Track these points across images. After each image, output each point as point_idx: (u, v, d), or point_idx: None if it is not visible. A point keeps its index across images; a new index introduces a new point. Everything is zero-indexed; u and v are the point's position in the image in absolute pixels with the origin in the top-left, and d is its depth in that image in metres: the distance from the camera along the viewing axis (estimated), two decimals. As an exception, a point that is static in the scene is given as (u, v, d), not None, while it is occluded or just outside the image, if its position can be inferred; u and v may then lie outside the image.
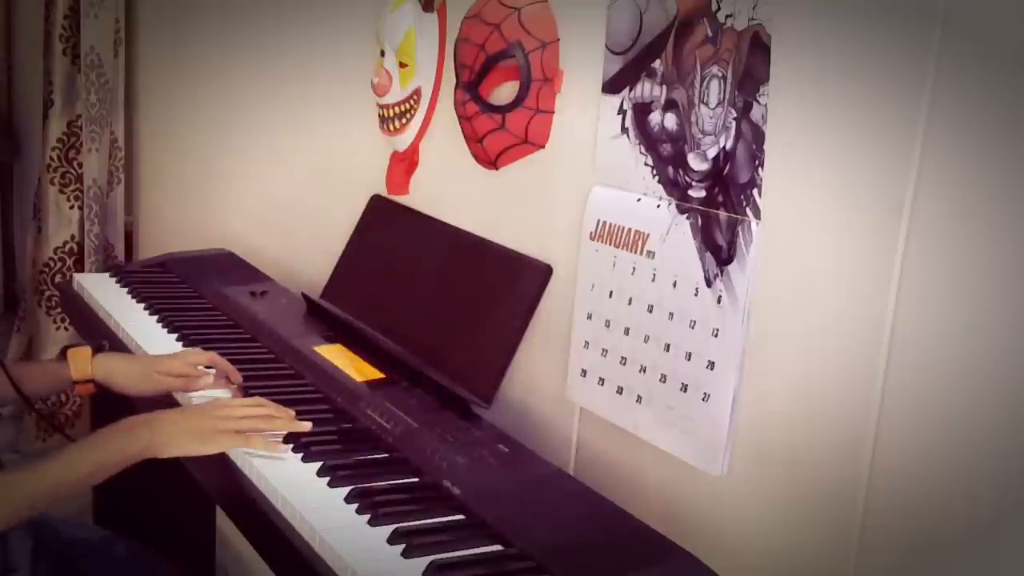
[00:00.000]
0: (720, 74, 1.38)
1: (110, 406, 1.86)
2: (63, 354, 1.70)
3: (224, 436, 1.47)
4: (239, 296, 2.20)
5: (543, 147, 1.73)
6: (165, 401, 1.69)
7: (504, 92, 1.76)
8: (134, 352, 1.91)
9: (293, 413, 1.55)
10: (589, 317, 1.61)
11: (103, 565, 1.68)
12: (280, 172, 2.59)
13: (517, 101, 1.71)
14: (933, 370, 1.16)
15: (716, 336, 1.40)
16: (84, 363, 1.69)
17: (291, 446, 1.49)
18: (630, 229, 1.54)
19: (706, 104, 1.40)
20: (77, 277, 2.36)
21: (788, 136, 1.31)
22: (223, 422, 1.49)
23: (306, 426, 1.53)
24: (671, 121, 1.46)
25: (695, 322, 1.43)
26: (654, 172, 1.50)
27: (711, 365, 1.41)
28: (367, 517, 1.32)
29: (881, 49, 1.19)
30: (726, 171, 1.38)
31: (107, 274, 2.40)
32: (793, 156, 1.30)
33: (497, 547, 1.28)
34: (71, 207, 3.04)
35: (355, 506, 1.35)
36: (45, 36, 2.99)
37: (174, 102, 3.05)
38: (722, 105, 1.38)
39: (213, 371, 1.74)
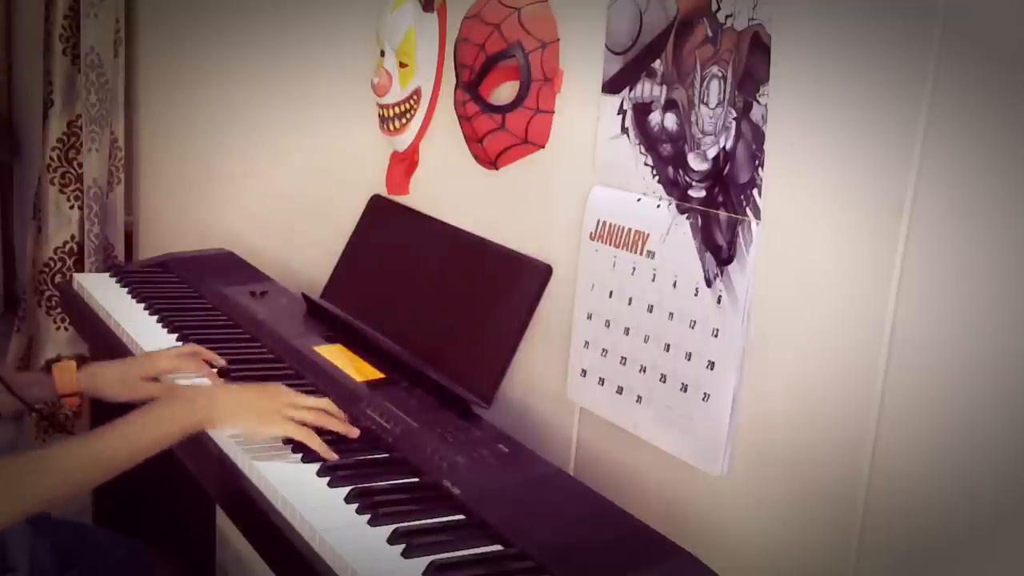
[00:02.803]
0: (720, 74, 1.38)
1: (110, 405, 1.86)
2: (48, 368, 1.71)
3: (287, 422, 1.48)
4: (239, 296, 2.19)
5: (543, 147, 1.73)
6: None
7: (504, 92, 1.75)
8: (134, 352, 1.91)
9: (345, 416, 1.55)
10: (589, 317, 1.61)
11: (103, 565, 1.68)
12: (280, 172, 2.59)
13: (517, 101, 1.71)
14: (933, 370, 1.16)
15: (716, 336, 1.40)
16: (70, 376, 1.70)
17: (291, 446, 1.49)
18: (630, 229, 1.54)
19: (706, 104, 1.40)
20: (77, 277, 2.36)
21: (788, 136, 1.31)
22: (287, 409, 1.49)
23: (355, 432, 1.53)
24: (671, 121, 1.46)
25: (695, 322, 1.43)
26: (654, 172, 1.50)
27: (711, 365, 1.41)
28: (367, 517, 1.32)
29: (881, 49, 1.19)
30: (726, 171, 1.38)
31: (107, 274, 2.40)
32: (793, 156, 1.30)
33: (497, 547, 1.28)
34: (71, 207, 3.04)
35: (355, 506, 1.35)
36: (45, 36, 2.98)
37: (174, 102, 3.05)
38: (722, 105, 1.38)
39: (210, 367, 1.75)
